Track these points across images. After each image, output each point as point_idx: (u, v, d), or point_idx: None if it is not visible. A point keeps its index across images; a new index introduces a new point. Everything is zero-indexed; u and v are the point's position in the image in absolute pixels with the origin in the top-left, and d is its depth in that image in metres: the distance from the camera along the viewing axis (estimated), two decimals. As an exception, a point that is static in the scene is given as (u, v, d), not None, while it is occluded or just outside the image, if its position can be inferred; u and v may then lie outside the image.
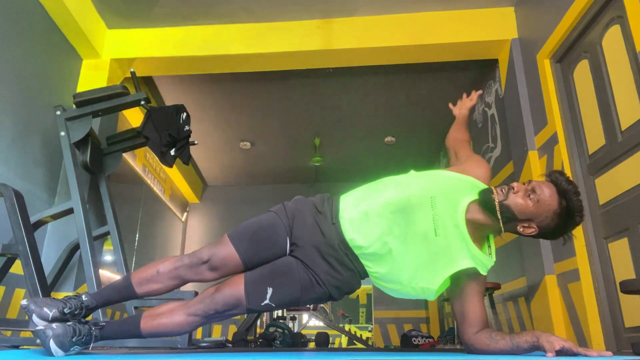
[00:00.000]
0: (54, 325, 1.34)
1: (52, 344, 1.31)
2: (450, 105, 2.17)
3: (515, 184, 1.53)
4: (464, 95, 2.12)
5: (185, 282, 1.60)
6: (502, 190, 1.51)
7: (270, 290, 1.54)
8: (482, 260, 1.53)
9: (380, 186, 1.64)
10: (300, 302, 1.60)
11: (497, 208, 1.48)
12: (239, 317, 6.20)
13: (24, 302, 1.38)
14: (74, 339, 1.36)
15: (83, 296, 1.50)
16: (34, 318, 1.35)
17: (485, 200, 1.51)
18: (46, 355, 1.34)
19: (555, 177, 1.51)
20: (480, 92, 2.13)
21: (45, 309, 1.37)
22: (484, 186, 1.62)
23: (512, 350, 1.42)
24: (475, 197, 1.56)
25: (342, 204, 1.62)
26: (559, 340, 1.31)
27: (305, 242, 1.58)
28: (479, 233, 1.57)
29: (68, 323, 1.38)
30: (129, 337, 1.58)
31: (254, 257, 1.59)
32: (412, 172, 1.68)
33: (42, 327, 1.33)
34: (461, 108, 2.08)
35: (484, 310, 1.56)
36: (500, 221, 1.50)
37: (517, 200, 1.49)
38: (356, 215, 1.56)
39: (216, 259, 1.56)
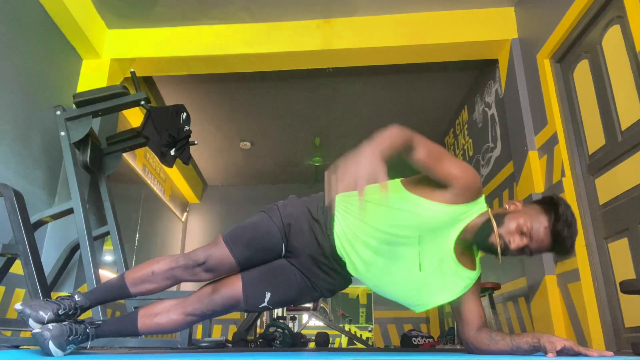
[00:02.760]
0: (50, 326, 1.35)
1: (52, 345, 1.32)
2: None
3: (513, 243, 1.42)
4: None
5: (179, 282, 1.62)
6: (500, 241, 1.43)
7: (268, 295, 1.59)
8: (469, 278, 1.55)
9: (371, 206, 1.54)
10: (296, 303, 1.66)
11: (499, 257, 1.46)
12: (239, 317, 6.21)
13: (19, 306, 1.38)
14: (70, 338, 1.37)
15: (76, 296, 1.50)
16: (30, 322, 1.36)
17: (485, 249, 1.49)
18: (47, 356, 1.34)
19: (558, 235, 1.41)
20: None
21: (41, 312, 1.37)
22: (472, 208, 1.51)
23: (512, 351, 1.43)
24: (466, 222, 1.50)
25: (337, 216, 1.58)
26: (560, 340, 1.31)
27: (301, 251, 1.60)
28: (468, 244, 1.56)
29: (64, 323, 1.39)
30: (125, 335, 1.60)
31: (250, 261, 1.61)
32: (399, 182, 1.57)
33: (39, 330, 1.33)
34: None
35: (481, 309, 1.58)
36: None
37: (512, 253, 1.46)
38: (345, 237, 1.55)
39: (212, 261, 1.57)
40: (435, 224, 1.49)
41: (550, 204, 1.44)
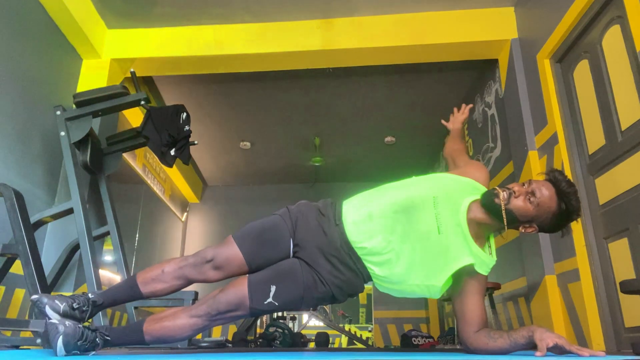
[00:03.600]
0: (67, 322, 1.35)
1: (60, 342, 1.31)
2: (443, 121, 2.21)
3: (515, 187, 1.55)
4: (455, 110, 2.16)
5: (189, 282, 1.61)
6: (504, 192, 1.53)
7: (273, 288, 1.54)
8: (483, 258, 1.56)
9: (382, 190, 1.67)
10: (304, 302, 1.58)
11: (503, 214, 1.51)
12: (239, 317, 6.20)
13: (35, 296, 1.39)
14: (78, 342, 1.36)
15: (89, 294, 1.51)
16: (47, 310, 1.37)
17: (489, 205, 1.55)
18: (47, 355, 1.34)
19: (555, 178, 1.55)
20: (470, 105, 2.18)
21: (57, 302, 1.39)
22: (483, 188, 1.65)
23: (510, 347, 1.43)
24: (477, 197, 1.60)
25: (345, 207, 1.65)
26: (553, 337, 1.32)
27: (308, 243, 1.60)
28: (480, 232, 1.59)
29: (79, 325, 1.38)
30: (132, 343, 1.57)
31: (258, 258, 1.60)
32: (414, 177, 1.71)
33: (56, 322, 1.33)
34: (454, 122, 2.13)
35: (483, 310, 1.57)
36: (505, 223, 1.53)
37: (518, 204, 1.53)
38: (359, 217, 1.58)
39: (220, 258, 1.57)
40: (449, 185, 1.62)
41: (551, 174, 1.58)
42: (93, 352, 1.43)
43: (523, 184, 1.56)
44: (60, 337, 1.31)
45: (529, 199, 1.52)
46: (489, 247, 1.63)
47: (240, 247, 1.58)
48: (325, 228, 1.60)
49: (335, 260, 1.57)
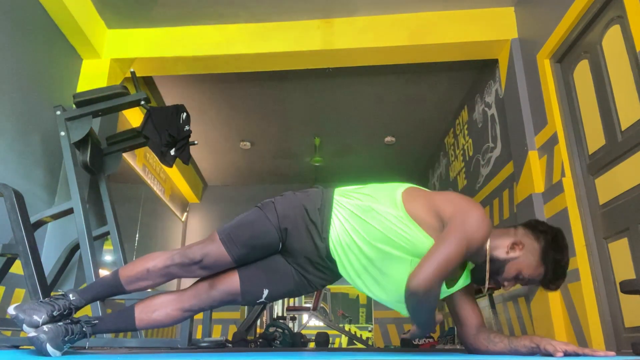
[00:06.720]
0: (45, 328, 1.33)
1: (49, 347, 1.31)
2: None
3: (506, 284, 1.50)
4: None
5: (175, 278, 1.63)
6: (493, 280, 1.51)
7: (266, 292, 1.62)
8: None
9: (370, 209, 1.51)
10: (292, 296, 1.72)
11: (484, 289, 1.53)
12: (239, 317, 6.21)
13: (12, 311, 1.36)
14: (66, 338, 1.36)
15: (70, 295, 1.49)
16: (24, 327, 1.34)
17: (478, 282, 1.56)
18: (46, 356, 1.34)
19: (548, 286, 1.50)
20: None
21: (35, 317, 1.35)
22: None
23: (510, 353, 1.43)
24: None
25: (334, 217, 1.55)
26: (561, 344, 1.31)
27: (297, 252, 1.60)
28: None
29: (59, 323, 1.38)
30: (123, 330, 1.61)
31: (246, 258, 1.61)
32: (400, 197, 1.53)
33: (35, 333, 1.32)
34: None
35: (477, 309, 1.59)
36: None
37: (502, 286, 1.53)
38: (339, 242, 1.54)
39: (208, 260, 1.56)
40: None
41: (553, 251, 1.46)
42: (87, 348, 1.43)
43: (517, 278, 1.50)
44: (47, 344, 1.31)
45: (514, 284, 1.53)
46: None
47: (229, 251, 1.55)
48: (316, 240, 1.56)
49: (322, 268, 1.62)
